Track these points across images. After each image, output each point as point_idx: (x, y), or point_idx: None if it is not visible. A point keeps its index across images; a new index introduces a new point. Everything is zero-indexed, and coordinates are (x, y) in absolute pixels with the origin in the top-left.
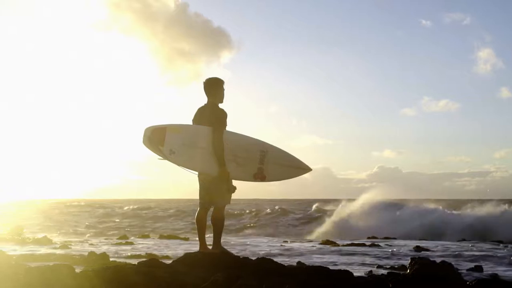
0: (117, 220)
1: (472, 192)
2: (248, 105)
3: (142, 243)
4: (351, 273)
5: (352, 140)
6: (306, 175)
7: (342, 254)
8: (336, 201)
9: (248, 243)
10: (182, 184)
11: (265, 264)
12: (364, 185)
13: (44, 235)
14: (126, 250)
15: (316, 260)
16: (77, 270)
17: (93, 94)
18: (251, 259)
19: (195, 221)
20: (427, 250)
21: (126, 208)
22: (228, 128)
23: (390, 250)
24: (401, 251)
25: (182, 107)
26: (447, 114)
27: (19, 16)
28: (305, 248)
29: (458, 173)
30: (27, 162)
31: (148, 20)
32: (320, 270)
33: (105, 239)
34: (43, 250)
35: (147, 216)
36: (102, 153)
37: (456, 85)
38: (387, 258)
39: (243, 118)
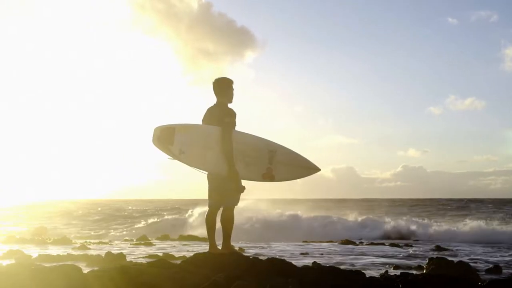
0: (139, 220)
1: (498, 191)
2: (273, 104)
3: (161, 244)
4: (362, 274)
5: (376, 139)
6: (330, 175)
7: (362, 254)
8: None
9: (268, 244)
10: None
11: (275, 264)
12: (388, 184)
13: (64, 235)
14: (145, 250)
15: (335, 260)
16: (86, 271)
17: (117, 94)
18: (261, 260)
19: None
20: (448, 250)
21: (148, 208)
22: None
23: (410, 250)
24: (421, 251)
25: (206, 107)
26: (473, 112)
27: (45, 16)
28: (325, 249)
29: (483, 172)
30: (55, 163)
31: (172, 20)
32: (331, 270)
33: (125, 240)
34: (62, 250)
35: (169, 216)
36: (124, 153)
37: (483, 83)
38: (406, 258)
39: (268, 118)
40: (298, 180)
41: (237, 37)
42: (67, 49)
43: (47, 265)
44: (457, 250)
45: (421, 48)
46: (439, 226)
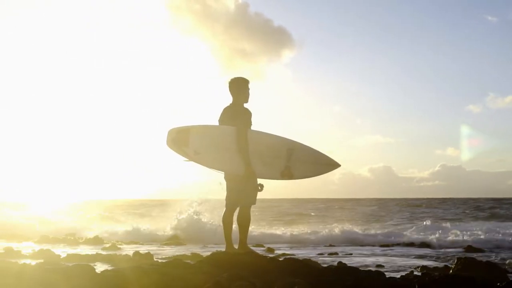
0: (171, 220)
1: None
2: (310, 104)
3: (192, 244)
4: (382, 274)
5: (415, 138)
6: (367, 174)
7: (393, 255)
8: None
9: (298, 245)
10: None
11: (291, 264)
12: (426, 183)
13: (96, 235)
14: (173, 250)
15: (361, 260)
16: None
17: (154, 94)
18: (278, 260)
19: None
20: (482, 251)
21: (182, 208)
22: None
23: (441, 251)
24: (454, 252)
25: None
26: None
27: (85, 15)
28: (353, 249)
29: None
30: (95, 162)
31: (209, 20)
32: (350, 270)
33: (155, 239)
34: (91, 250)
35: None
36: (160, 153)
37: None
38: (435, 258)
39: (305, 118)
40: (335, 179)
41: (274, 36)
42: (107, 49)
43: (70, 264)
44: (495, 251)
45: (460, 46)
46: None
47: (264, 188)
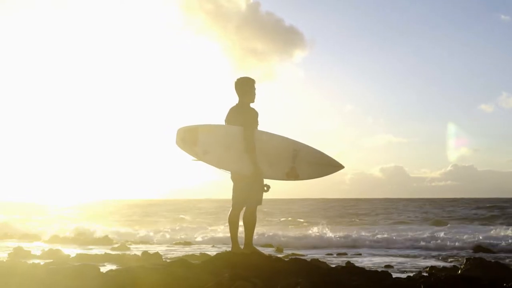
0: (185, 220)
1: None
2: (322, 104)
3: (202, 244)
4: (388, 274)
5: (426, 138)
6: (378, 174)
7: (400, 256)
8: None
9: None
10: None
11: (296, 264)
12: (438, 183)
13: (106, 235)
14: (183, 250)
15: (371, 261)
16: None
17: (167, 94)
18: (283, 260)
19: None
20: (491, 251)
21: (198, 209)
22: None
23: (451, 251)
24: (462, 251)
25: (255, 107)
26: None
27: (99, 16)
28: (363, 250)
29: None
30: (106, 162)
31: (220, 20)
32: (356, 271)
33: (165, 240)
34: (101, 250)
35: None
36: (173, 154)
37: None
38: (445, 259)
39: (317, 117)
40: (346, 179)
41: (285, 36)
42: (120, 49)
43: (76, 264)
44: (506, 252)
45: (473, 45)
46: None
47: (270, 189)
